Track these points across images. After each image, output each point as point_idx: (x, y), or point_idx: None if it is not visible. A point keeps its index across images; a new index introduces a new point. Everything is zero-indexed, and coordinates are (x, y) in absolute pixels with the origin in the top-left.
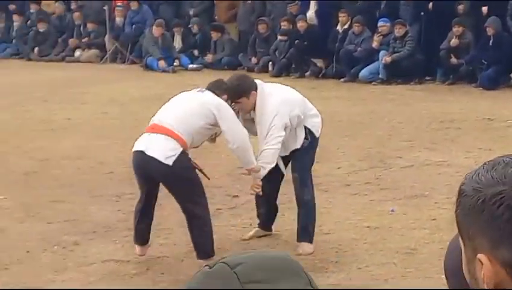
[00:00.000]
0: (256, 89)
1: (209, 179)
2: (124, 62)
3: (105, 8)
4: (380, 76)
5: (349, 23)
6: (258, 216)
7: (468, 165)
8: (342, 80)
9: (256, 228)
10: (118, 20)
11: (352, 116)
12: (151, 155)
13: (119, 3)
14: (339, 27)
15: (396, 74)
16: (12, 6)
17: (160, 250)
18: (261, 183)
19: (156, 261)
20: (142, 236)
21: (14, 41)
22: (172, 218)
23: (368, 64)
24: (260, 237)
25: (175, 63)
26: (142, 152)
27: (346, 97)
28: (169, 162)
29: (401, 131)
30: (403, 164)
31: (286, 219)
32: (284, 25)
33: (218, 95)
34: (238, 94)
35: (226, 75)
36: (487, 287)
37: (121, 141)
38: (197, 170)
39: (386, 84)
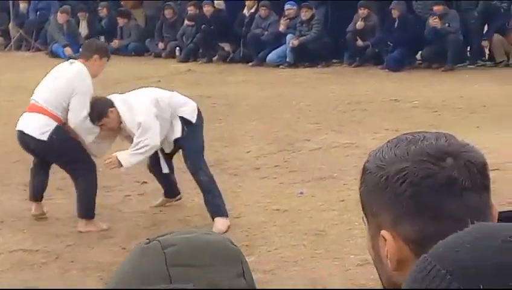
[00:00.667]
0: (112, 105)
1: None
2: (29, 50)
3: None
4: (288, 60)
5: (255, 7)
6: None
7: (375, 146)
8: (249, 64)
9: (162, 198)
10: (22, 6)
11: (260, 100)
12: (27, 133)
13: None
14: (245, 11)
15: (304, 57)
16: None
17: (70, 238)
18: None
19: (65, 249)
20: (36, 193)
21: None
22: None
23: (275, 48)
24: (167, 206)
25: (81, 50)
26: (21, 131)
27: (254, 81)
28: (44, 137)
29: (309, 114)
30: (311, 146)
31: (195, 204)
32: (191, 9)
33: (89, 58)
34: (98, 118)
35: (133, 62)
36: (390, 263)
37: None
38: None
39: (294, 67)
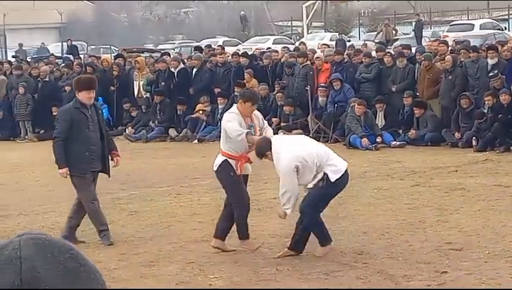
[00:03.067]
0: (270, 149)
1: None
2: (327, 141)
3: (307, 88)
4: None
5: None
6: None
7: None
8: None
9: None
10: (321, 100)
11: None
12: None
13: (322, 84)
14: None
15: None
16: (217, 90)
17: None
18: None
19: None
20: (220, 232)
21: (218, 124)
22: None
23: None
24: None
25: (377, 140)
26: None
27: None
28: (215, 168)
29: None
30: None
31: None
32: (488, 99)
33: (237, 102)
34: (260, 154)
35: (429, 152)
36: None
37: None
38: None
39: None
